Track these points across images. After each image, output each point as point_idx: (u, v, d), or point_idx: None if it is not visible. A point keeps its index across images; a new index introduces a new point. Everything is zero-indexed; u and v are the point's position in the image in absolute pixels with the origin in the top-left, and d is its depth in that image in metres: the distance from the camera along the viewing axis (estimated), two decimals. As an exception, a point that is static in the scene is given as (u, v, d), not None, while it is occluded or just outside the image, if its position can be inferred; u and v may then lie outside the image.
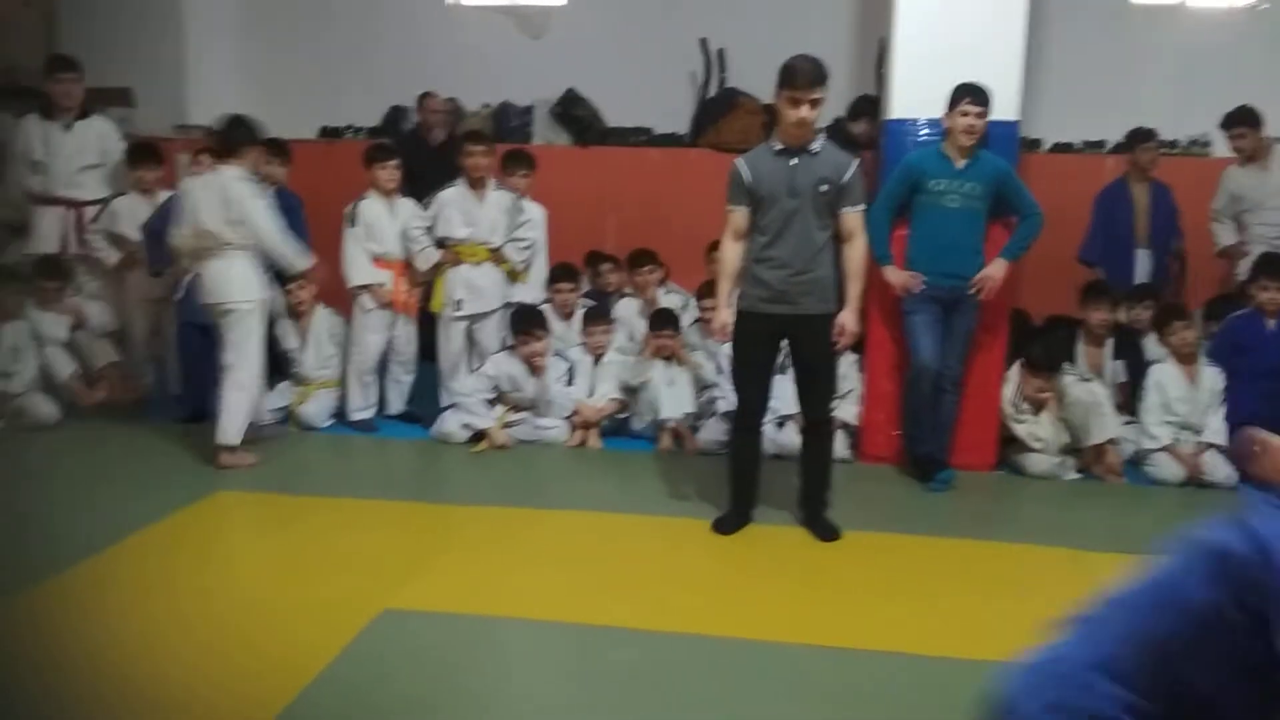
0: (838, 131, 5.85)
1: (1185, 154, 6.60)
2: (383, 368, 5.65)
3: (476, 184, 5.34)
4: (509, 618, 3.26)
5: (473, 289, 5.38)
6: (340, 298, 5.66)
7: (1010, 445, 4.99)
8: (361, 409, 5.52)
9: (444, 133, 6.71)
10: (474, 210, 5.35)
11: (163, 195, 5.53)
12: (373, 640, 3.03)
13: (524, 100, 7.24)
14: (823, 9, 6.84)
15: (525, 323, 5.23)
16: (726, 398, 4.88)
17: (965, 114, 4.46)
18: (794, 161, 3.81)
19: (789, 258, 3.84)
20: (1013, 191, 4.63)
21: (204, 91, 7.72)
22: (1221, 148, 6.18)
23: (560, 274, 5.70)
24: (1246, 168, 5.73)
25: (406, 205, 5.48)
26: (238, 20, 7.92)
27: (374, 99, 7.37)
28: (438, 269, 5.42)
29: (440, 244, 5.39)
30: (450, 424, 5.24)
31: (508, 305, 5.50)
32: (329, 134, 7.52)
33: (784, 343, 4.00)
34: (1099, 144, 6.67)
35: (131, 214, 5.50)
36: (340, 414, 5.55)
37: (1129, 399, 5.17)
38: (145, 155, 5.58)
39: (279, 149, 5.85)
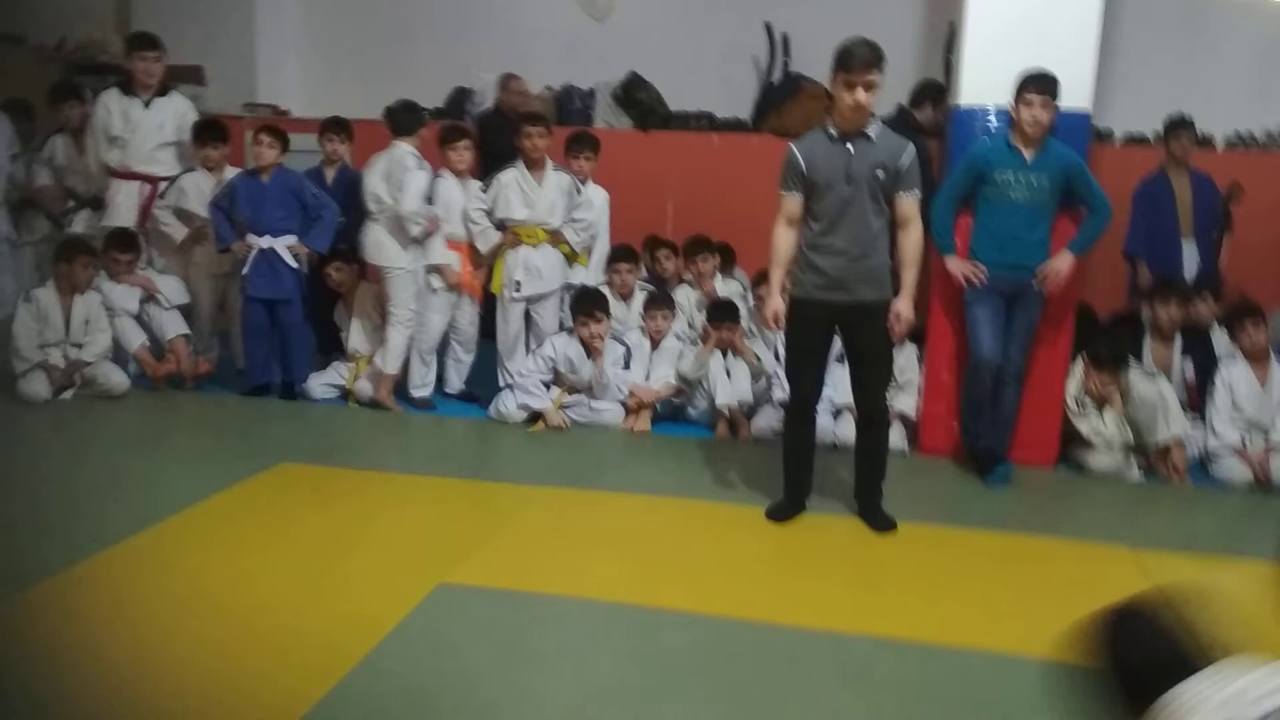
0: (902, 118, 5.77)
1: (1265, 148, 6.42)
2: (443, 346, 5.71)
3: (534, 165, 5.37)
4: (562, 595, 3.28)
5: (531, 270, 5.41)
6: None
7: (1072, 442, 4.89)
8: (421, 387, 5.59)
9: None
10: (532, 192, 5.37)
11: (229, 172, 5.65)
12: (429, 614, 3.08)
13: (587, 83, 7.24)
14: (890, -8, 6.76)
15: (586, 304, 5.24)
16: (782, 386, 4.86)
17: (1030, 104, 4.36)
18: (850, 147, 3.76)
19: (845, 245, 3.79)
20: (1082, 184, 4.53)
21: (271, 71, 7.86)
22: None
23: (620, 255, 5.71)
24: None
25: (477, 187, 5.52)
26: (305, 1, 8.03)
27: (438, 80, 7.43)
28: (498, 250, 5.47)
29: (500, 226, 5.43)
30: (507, 404, 5.28)
31: (567, 287, 5.53)
32: (393, 114, 7.59)
33: (838, 331, 3.97)
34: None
35: (199, 191, 5.61)
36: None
37: (1196, 397, 5.06)
38: (211, 133, 5.68)
39: (342, 127, 5.94)
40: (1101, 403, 4.83)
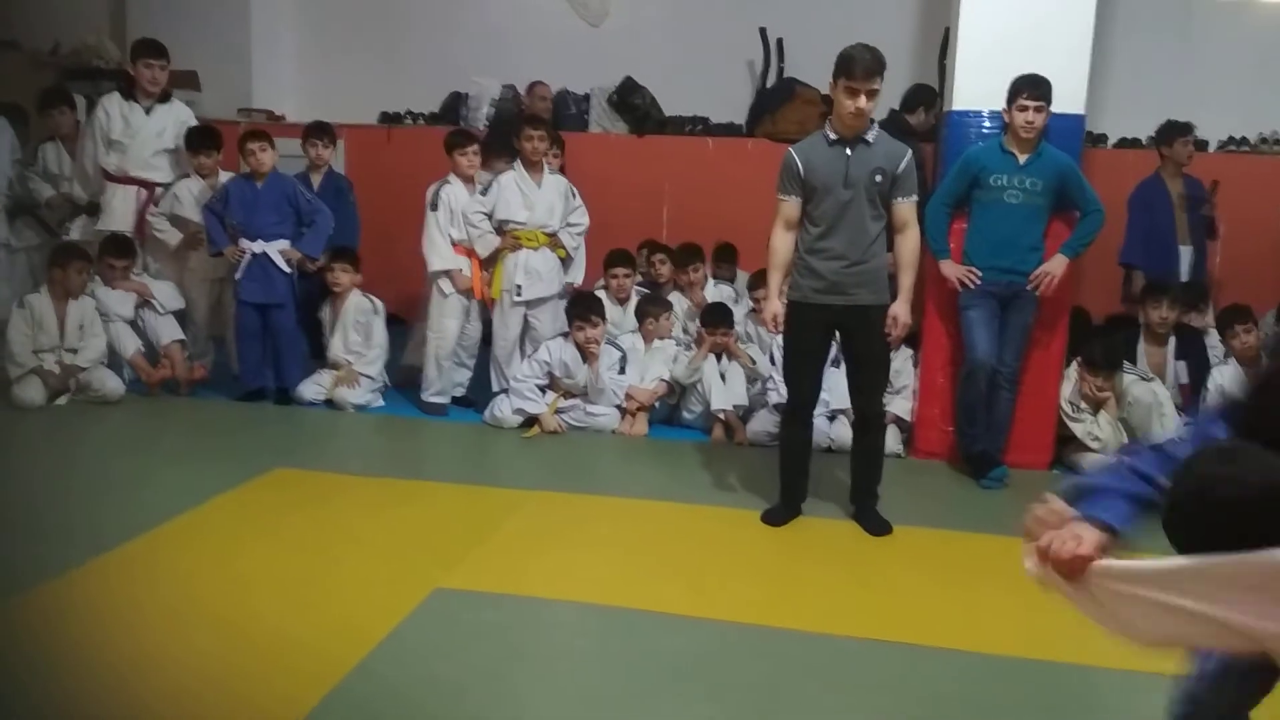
0: (894, 122, 5.79)
1: (1256, 151, 6.44)
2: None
3: (533, 167, 5.37)
4: (558, 600, 3.28)
5: (531, 274, 5.40)
6: (376, 284, 5.77)
7: (1067, 444, 4.90)
8: (435, 393, 5.54)
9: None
10: (531, 194, 5.37)
11: (223, 178, 5.64)
12: (424, 619, 3.08)
13: (582, 88, 7.25)
14: (884, -2, 6.79)
15: (582, 307, 5.24)
16: (778, 389, 4.86)
17: (1024, 109, 4.38)
18: (849, 151, 3.78)
19: (843, 249, 3.81)
20: (1075, 188, 4.54)
21: (267, 76, 7.86)
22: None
23: (616, 259, 5.71)
24: None
25: (478, 190, 5.51)
26: (300, 6, 8.04)
27: (433, 85, 7.45)
28: (497, 254, 5.45)
29: (499, 228, 5.41)
30: (503, 409, 5.28)
31: (563, 296, 5.53)
32: (388, 119, 7.61)
33: (836, 334, 3.98)
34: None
35: (193, 197, 5.61)
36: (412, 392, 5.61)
37: (1191, 400, 5.07)
38: (204, 139, 5.68)
39: (325, 132, 5.96)
40: (1096, 405, 4.84)
